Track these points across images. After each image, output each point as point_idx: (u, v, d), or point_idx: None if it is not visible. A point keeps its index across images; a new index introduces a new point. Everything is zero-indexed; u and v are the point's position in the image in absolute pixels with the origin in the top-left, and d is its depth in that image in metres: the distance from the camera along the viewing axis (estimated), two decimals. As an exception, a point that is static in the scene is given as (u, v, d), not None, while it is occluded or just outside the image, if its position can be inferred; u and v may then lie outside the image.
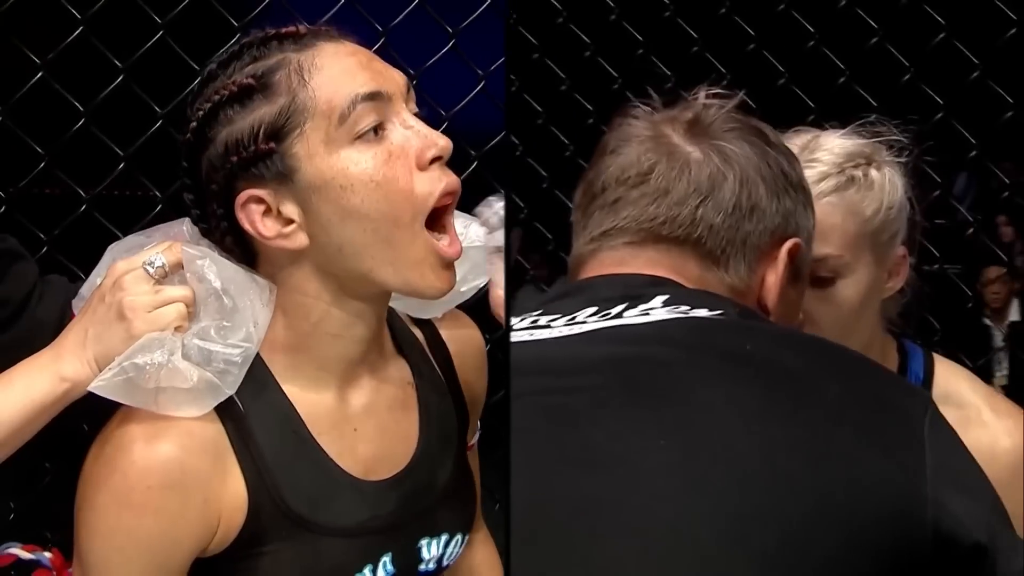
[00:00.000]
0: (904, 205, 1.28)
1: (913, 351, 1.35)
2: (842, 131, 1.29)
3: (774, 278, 0.97)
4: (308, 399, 1.00)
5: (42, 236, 1.81)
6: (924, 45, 2.25)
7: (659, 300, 0.90)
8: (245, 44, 0.99)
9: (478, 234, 1.10)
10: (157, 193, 1.91)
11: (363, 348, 1.02)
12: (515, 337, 0.90)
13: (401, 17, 1.99)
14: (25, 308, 1.15)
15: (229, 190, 0.95)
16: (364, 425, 1.03)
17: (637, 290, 0.92)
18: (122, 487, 0.91)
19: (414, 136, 0.96)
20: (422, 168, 0.96)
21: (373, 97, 0.95)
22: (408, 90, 0.99)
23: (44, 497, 1.72)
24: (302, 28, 0.99)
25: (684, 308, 0.88)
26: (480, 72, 2.07)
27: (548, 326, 0.90)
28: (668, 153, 0.97)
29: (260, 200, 0.95)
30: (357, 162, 0.94)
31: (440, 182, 0.96)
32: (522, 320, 0.92)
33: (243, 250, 0.99)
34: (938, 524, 0.74)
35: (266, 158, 0.94)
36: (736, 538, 0.71)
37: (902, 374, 1.32)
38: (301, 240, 0.95)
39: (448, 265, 0.98)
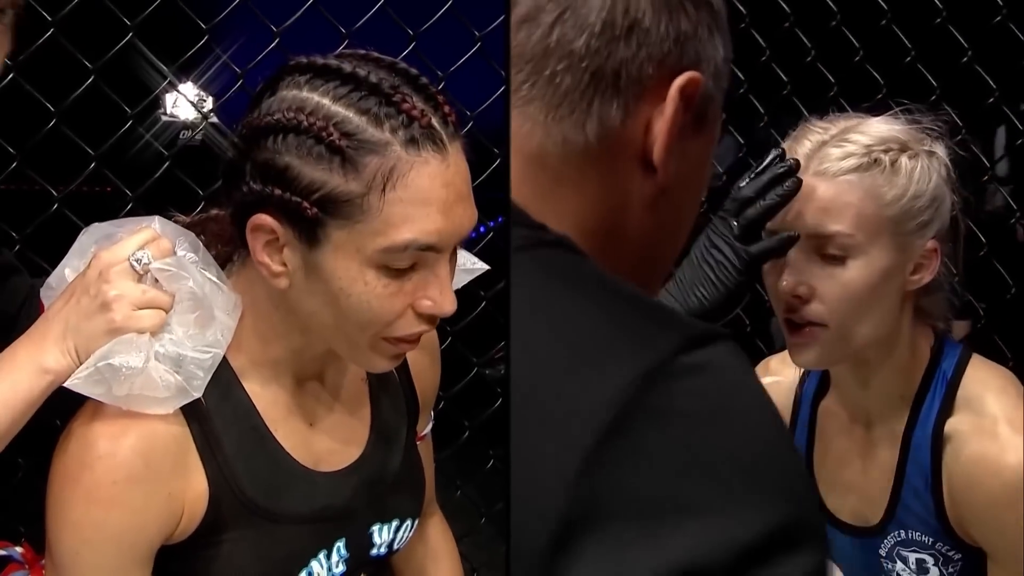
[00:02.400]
0: (940, 198, 1.23)
1: (950, 350, 1.29)
2: (887, 116, 1.26)
3: (663, 124, 0.70)
4: (266, 395, 1.04)
5: (14, 235, 1.84)
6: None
7: None
8: (369, 80, 0.92)
9: (474, 262, 1.17)
10: (127, 191, 1.94)
11: (320, 352, 1.06)
12: None
13: (364, 19, 2.02)
14: (16, 321, 1.15)
15: (255, 204, 0.95)
16: (318, 419, 1.09)
17: None
18: (89, 483, 0.95)
19: (433, 284, 0.96)
20: (416, 311, 0.97)
21: (427, 249, 0.94)
22: (464, 237, 0.98)
23: (17, 492, 1.76)
24: (427, 116, 0.92)
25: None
26: (504, 73, 2.10)
27: None
28: None
29: (272, 231, 0.95)
30: (370, 284, 0.94)
31: (418, 327, 0.98)
32: None
33: (236, 247, 1.02)
34: None
35: (303, 215, 0.93)
36: None
37: (929, 372, 1.27)
38: (282, 283, 0.97)
39: (398, 355, 1.02)
